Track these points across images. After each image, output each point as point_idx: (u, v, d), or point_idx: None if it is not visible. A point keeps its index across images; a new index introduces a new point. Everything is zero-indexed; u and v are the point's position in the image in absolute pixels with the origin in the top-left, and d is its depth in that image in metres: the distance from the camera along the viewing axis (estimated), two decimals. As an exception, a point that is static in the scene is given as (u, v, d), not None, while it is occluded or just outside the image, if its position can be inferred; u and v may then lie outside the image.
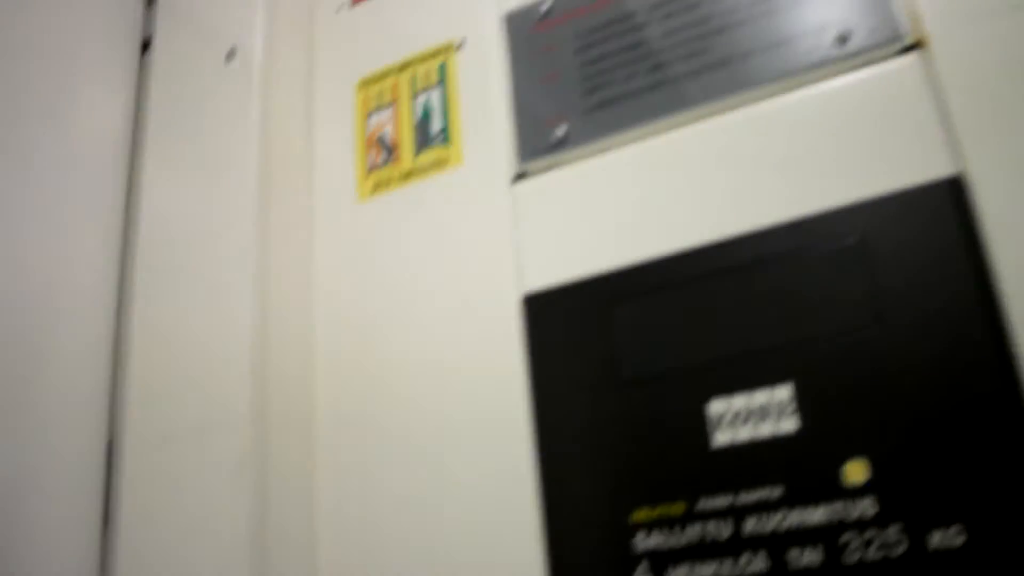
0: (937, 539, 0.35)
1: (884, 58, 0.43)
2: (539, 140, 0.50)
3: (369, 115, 0.58)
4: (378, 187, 0.55)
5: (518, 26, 0.54)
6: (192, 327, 0.52)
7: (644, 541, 0.41)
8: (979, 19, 0.41)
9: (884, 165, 0.41)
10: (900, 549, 0.36)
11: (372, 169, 0.56)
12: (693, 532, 0.40)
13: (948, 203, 0.39)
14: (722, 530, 0.40)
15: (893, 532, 0.36)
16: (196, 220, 0.56)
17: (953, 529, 0.35)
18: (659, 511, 0.41)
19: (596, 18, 0.51)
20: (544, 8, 0.53)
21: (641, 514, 0.41)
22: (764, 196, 0.43)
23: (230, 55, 0.58)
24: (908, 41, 0.43)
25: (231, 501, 0.47)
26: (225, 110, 0.57)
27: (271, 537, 0.47)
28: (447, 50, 0.56)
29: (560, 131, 0.50)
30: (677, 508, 0.41)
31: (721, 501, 0.40)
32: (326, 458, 0.51)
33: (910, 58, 0.42)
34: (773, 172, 0.43)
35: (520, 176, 0.51)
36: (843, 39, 0.44)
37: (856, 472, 0.38)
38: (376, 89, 0.58)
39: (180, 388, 0.51)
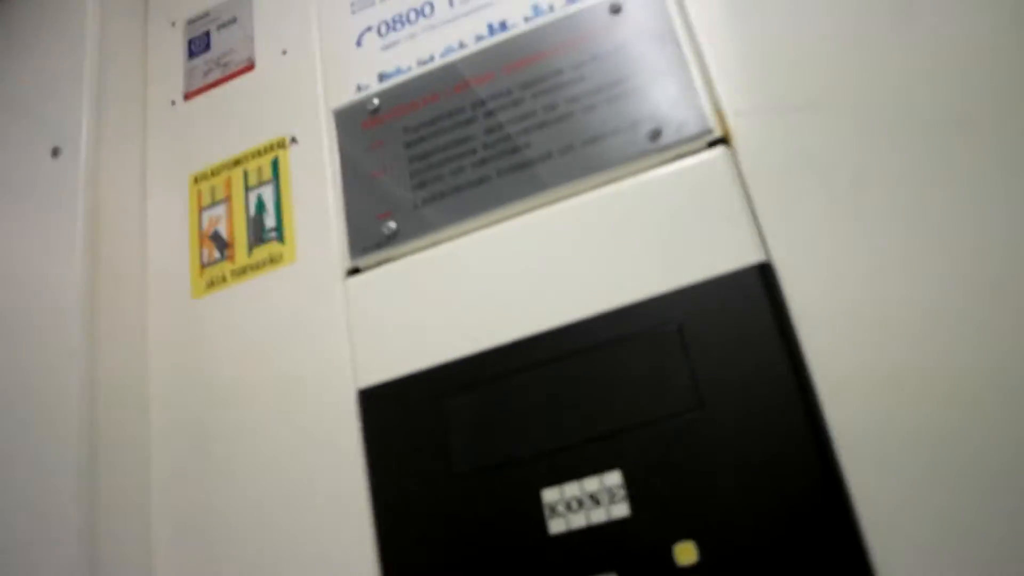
0: (765, 616, 0.37)
1: (693, 152, 0.45)
2: (370, 235, 0.50)
3: (203, 210, 0.57)
4: (212, 284, 0.54)
5: (347, 122, 0.55)
6: (15, 435, 0.50)
7: (485, 636, 0.41)
8: (775, 115, 0.44)
9: (699, 253, 0.43)
10: (732, 628, 0.37)
11: (206, 265, 0.55)
12: (532, 624, 0.40)
13: (759, 288, 0.41)
14: (560, 620, 0.40)
15: (723, 611, 0.37)
16: (21, 316, 0.53)
17: (780, 606, 0.36)
18: (498, 604, 0.41)
19: (423, 114, 0.52)
20: (373, 105, 0.54)
21: (481, 608, 0.41)
22: (587, 286, 0.44)
23: (55, 152, 0.56)
24: (715, 136, 0.45)
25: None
26: (51, 205, 0.55)
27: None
28: (279, 146, 0.56)
29: (391, 226, 0.50)
30: (516, 600, 0.41)
31: (558, 590, 0.40)
32: (163, 563, 0.49)
33: (717, 152, 0.45)
34: (596, 263, 0.45)
35: (353, 271, 0.51)
36: (655, 134, 0.46)
37: (686, 554, 0.38)
38: (210, 184, 0.58)
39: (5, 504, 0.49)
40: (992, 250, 0.38)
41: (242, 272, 0.54)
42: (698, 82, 0.46)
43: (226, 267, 0.54)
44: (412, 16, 0.55)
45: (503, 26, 0.52)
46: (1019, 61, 0.40)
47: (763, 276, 0.41)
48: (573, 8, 0.50)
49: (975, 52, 0.41)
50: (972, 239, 0.38)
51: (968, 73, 0.41)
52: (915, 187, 0.40)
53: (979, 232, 0.38)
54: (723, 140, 0.45)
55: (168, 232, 0.58)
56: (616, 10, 0.49)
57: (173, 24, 0.65)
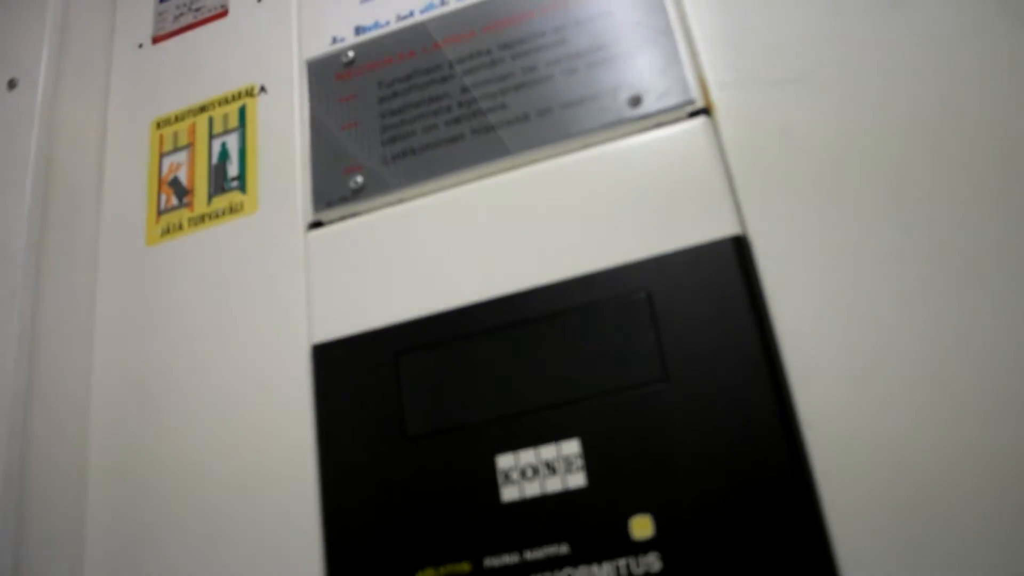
0: (718, 595, 0.36)
1: (674, 121, 0.44)
2: (336, 189, 0.49)
3: (163, 156, 0.55)
4: (168, 231, 0.52)
5: (320, 74, 0.53)
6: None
7: (429, 603, 0.39)
8: (757, 89, 0.43)
9: (673, 223, 0.42)
10: (683, 605, 0.36)
11: (163, 212, 0.53)
12: (479, 592, 0.39)
13: (733, 261, 0.40)
14: (508, 590, 0.38)
15: (675, 588, 0.36)
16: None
17: (734, 584, 0.36)
18: (444, 570, 0.39)
19: (399, 69, 0.51)
20: (347, 57, 0.52)
21: (427, 573, 0.40)
22: (556, 251, 0.43)
23: (11, 84, 0.54)
24: (697, 106, 0.44)
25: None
26: (3, 139, 0.53)
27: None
28: (248, 94, 0.54)
29: (357, 180, 0.48)
30: (463, 567, 0.39)
31: (508, 559, 0.39)
32: (98, 506, 0.47)
33: (698, 122, 0.44)
34: (566, 227, 0.44)
35: (315, 225, 0.49)
36: (636, 101, 0.45)
37: (642, 527, 0.37)
38: (172, 130, 0.56)
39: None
40: (975, 233, 0.37)
41: (200, 220, 0.52)
42: (683, 52, 0.45)
43: (184, 214, 0.53)
44: (393, -30, 0.54)
45: (485, -15, 0.51)
46: (1006, 44, 0.40)
47: (738, 249, 0.40)
48: (559, -29, 0.49)
49: (962, 34, 0.41)
50: (954, 222, 0.38)
51: (955, 55, 0.41)
52: (897, 168, 0.40)
53: (961, 215, 0.38)
54: (705, 111, 0.44)
55: (126, 176, 0.56)
56: (603, -25, 0.48)
57: (145, -34, 0.63)
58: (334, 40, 0.54)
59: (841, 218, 0.40)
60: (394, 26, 0.52)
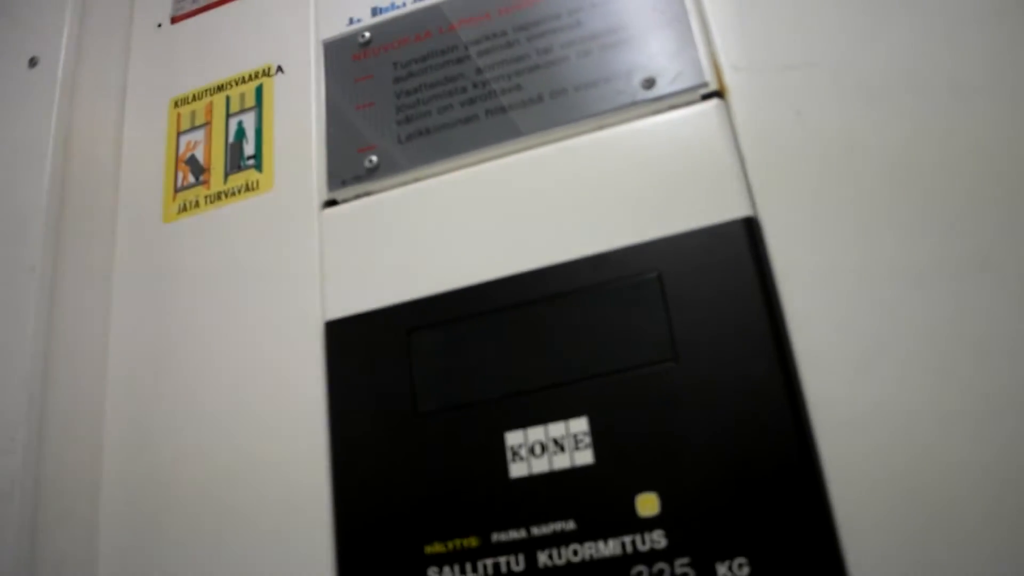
0: (723, 572, 0.36)
1: (687, 103, 0.44)
2: (350, 168, 0.49)
3: (181, 134, 0.56)
4: (185, 208, 0.53)
5: (337, 54, 0.53)
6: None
7: (437, 575, 0.40)
8: (770, 72, 0.43)
9: (685, 204, 0.42)
10: (687, 582, 0.36)
11: (180, 190, 0.54)
12: (486, 566, 0.39)
13: (744, 242, 0.40)
14: (515, 564, 0.39)
15: (680, 565, 0.36)
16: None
17: (738, 561, 0.36)
18: (453, 545, 0.40)
19: (415, 50, 0.51)
20: (364, 38, 0.53)
21: (435, 548, 0.40)
22: (567, 231, 0.44)
23: (33, 62, 0.55)
24: (710, 89, 0.44)
25: None
26: (23, 116, 0.54)
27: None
28: (265, 73, 0.55)
29: (372, 159, 0.49)
30: (471, 542, 0.40)
31: (515, 534, 0.39)
32: (112, 479, 0.48)
33: (711, 105, 0.44)
34: (577, 208, 0.44)
35: (330, 203, 0.49)
36: (650, 83, 0.45)
37: (647, 505, 0.38)
38: (190, 108, 0.56)
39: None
40: (984, 217, 0.37)
41: (216, 198, 0.52)
42: (697, 35, 0.46)
43: (200, 192, 0.53)
44: (410, -48, 0.54)
45: (501, -33, 0.51)
46: (1018, 29, 0.40)
47: (748, 230, 0.40)
48: (574, -47, 0.49)
49: (974, 18, 0.41)
50: (964, 206, 0.38)
51: (966, 40, 0.40)
52: (907, 152, 0.40)
53: (971, 199, 0.38)
54: (718, 94, 0.44)
55: (144, 155, 0.57)
56: (618, -42, 0.48)
57: (165, -53, 0.63)
58: (351, 21, 0.54)
59: (851, 201, 0.40)
60: (410, 7, 0.53)
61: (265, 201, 0.51)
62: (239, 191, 0.52)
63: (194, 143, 0.55)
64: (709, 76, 0.44)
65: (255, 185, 0.51)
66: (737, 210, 0.41)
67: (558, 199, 0.44)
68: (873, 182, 0.40)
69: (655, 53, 0.46)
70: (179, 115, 0.57)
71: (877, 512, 0.35)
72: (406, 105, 0.50)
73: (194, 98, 0.57)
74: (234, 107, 0.55)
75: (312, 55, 0.54)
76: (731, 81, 0.44)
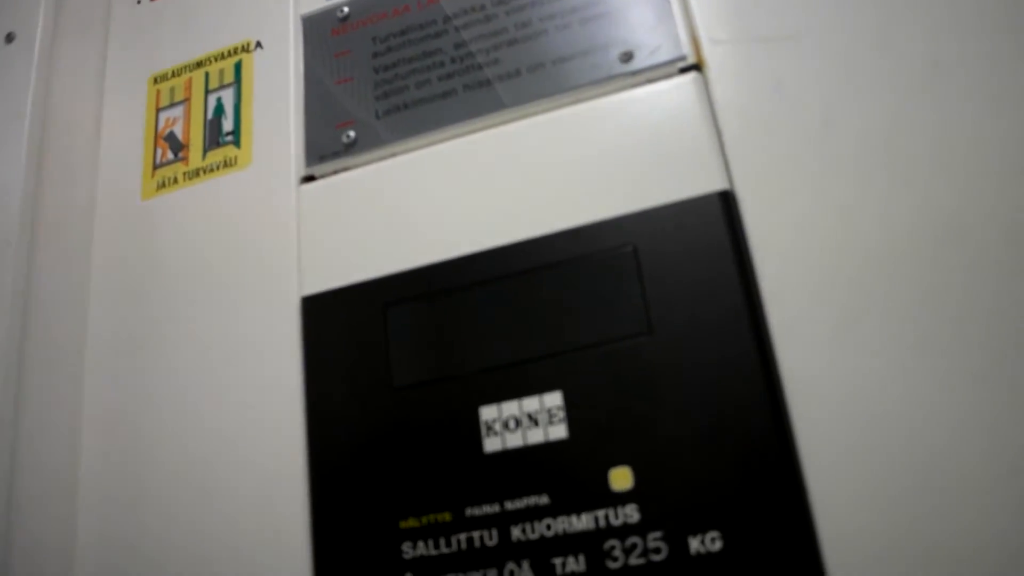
0: (695, 545, 0.36)
1: (664, 77, 0.44)
2: (328, 143, 0.49)
3: (160, 111, 0.55)
4: (164, 185, 0.53)
5: (315, 29, 0.53)
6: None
7: (412, 550, 0.40)
8: (749, 45, 0.42)
9: (662, 178, 0.42)
10: (661, 555, 0.36)
11: (159, 166, 0.53)
12: (460, 541, 0.39)
13: (719, 216, 0.40)
14: (488, 538, 0.39)
15: (653, 539, 0.36)
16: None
17: (710, 535, 0.36)
18: (427, 520, 0.40)
19: (393, 24, 0.51)
20: (342, 12, 0.52)
21: (410, 523, 0.40)
22: (543, 205, 0.43)
23: (9, 38, 0.54)
24: (688, 62, 0.44)
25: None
26: (2, 92, 0.53)
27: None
28: (244, 49, 0.54)
29: (350, 135, 0.49)
30: (444, 517, 0.40)
31: (489, 509, 0.39)
32: (90, 460, 0.48)
33: (689, 77, 0.43)
34: (554, 182, 0.44)
35: (307, 178, 0.49)
36: (627, 57, 0.45)
37: (621, 479, 0.38)
38: (169, 85, 0.56)
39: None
40: (963, 190, 0.37)
41: (195, 174, 0.52)
42: (676, 8, 0.45)
43: (179, 168, 0.53)
44: (388, -74, 0.54)
45: (480, -60, 0.51)
46: (1001, 5, 0.39)
47: (724, 204, 0.40)
48: (553, -74, 0.49)
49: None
50: (943, 179, 0.38)
51: (947, 12, 0.40)
52: (886, 127, 0.39)
53: (951, 172, 0.38)
54: (696, 67, 0.44)
55: (122, 131, 0.56)
56: (598, -70, 0.48)
57: (144, -79, 0.63)
58: (330, -5, 0.54)
59: (829, 175, 0.39)
60: (389, -19, 0.52)
61: (243, 177, 0.51)
62: (217, 167, 0.52)
63: (173, 119, 0.55)
64: (687, 49, 0.44)
65: (233, 161, 0.51)
66: (714, 183, 0.41)
67: (534, 173, 0.44)
68: (850, 156, 0.39)
69: (634, 26, 0.45)
70: (158, 91, 0.56)
71: (851, 485, 0.35)
72: (384, 80, 0.49)
73: (173, 74, 0.56)
74: (213, 83, 0.54)
75: (291, 30, 0.54)
76: (709, 54, 0.43)
